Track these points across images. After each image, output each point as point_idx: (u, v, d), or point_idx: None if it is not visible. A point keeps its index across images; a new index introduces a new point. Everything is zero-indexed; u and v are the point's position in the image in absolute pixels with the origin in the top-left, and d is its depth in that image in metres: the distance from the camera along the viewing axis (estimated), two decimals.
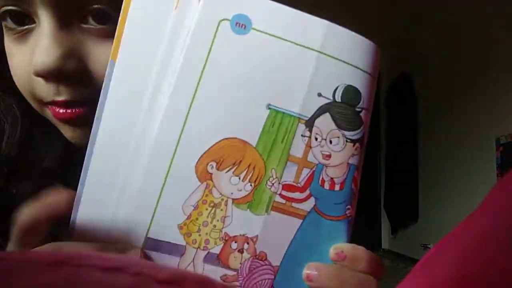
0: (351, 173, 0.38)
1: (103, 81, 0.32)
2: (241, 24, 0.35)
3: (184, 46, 0.34)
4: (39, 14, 0.34)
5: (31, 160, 0.42)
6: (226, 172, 0.36)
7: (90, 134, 0.32)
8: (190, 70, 0.35)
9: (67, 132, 0.39)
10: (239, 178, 0.36)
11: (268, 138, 0.36)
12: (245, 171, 0.36)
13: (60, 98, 0.36)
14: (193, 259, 0.36)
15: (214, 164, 0.35)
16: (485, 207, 0.29)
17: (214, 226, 0.36)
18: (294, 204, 0.37)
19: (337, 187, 0.38)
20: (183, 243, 0.35)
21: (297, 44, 0.36)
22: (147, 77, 0.34)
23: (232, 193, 0.36)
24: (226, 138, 0.36)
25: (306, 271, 0.35)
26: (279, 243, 0.37)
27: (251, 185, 0.36)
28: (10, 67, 0.38)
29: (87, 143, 0.32)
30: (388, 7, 4.67)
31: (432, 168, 3.38)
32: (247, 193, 0.36)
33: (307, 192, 0.37)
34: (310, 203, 0.37)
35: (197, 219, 0.36)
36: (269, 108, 0.36)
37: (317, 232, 0.37)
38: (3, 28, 0.37)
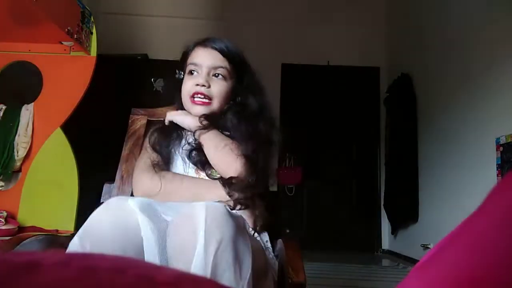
0: None
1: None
2: None
3: None
4: (201, 70, 1.11)
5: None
6: None
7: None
8: None
9: (197, 109, 1.09)
10: None
11: None
12: None
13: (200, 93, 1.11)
14: None
15: None
16: (485, 207, 0.29)
17: None
18: None
19: None
20: None
21: None
22: None
23: None
24: None
25: None
26: None
27: None
28: (183, 89, 1.12)
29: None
30: (389, 8, 4.67)
31: (432, 168, 3.38)
32: None
33: None
34: None
35: None
36: None
37: None
38: (186, 72, 1.13)
